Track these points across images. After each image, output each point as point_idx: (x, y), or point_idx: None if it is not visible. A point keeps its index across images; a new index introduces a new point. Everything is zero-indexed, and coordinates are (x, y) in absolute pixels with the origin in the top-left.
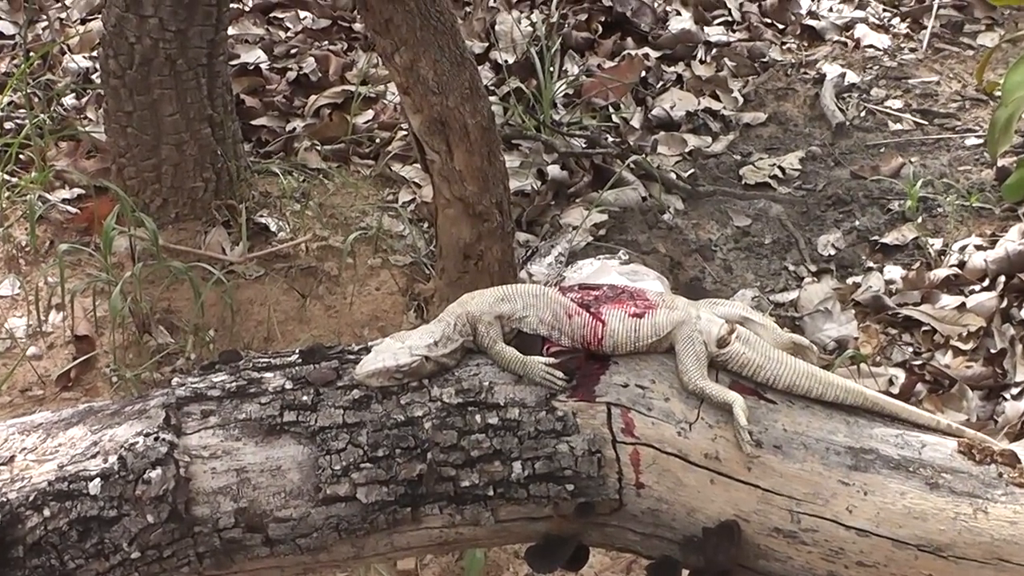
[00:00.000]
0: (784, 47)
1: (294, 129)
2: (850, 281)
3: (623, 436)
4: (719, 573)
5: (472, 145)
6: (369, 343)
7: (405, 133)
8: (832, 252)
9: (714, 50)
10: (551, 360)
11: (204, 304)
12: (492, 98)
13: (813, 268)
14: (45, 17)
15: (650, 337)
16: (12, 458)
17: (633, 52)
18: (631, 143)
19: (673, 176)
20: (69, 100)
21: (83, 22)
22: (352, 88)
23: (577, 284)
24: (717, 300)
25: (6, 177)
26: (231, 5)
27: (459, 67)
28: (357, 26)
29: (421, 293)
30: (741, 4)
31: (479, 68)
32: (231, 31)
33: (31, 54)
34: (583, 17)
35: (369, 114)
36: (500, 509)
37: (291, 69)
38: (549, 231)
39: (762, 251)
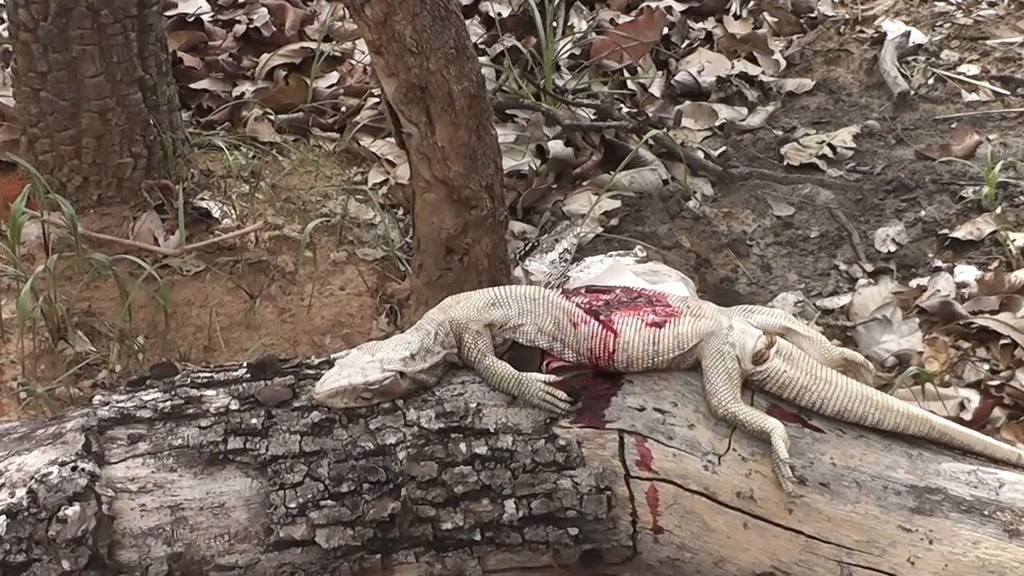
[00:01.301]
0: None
1: (242, 95)
2: (914, 284)
3: (638, 470)
4: None
5: (457, 116)
6: (332, 355)
7: (377, 101)
8: (892, 248)
9: (751, 2)
10: (551, 378)
11: (132, 305)
12: (482, 59)
13: (869, 268)
14: None
15: (672, 351)
16: None
17: (653, 4)
18: (650, 115)
19: (700, 155)
20: None
21: None
22: (312, 46)
23: (584, 286)
24: (753, 307)
25: None
26: None
27: (442, 22)
28: None
29: (395, 294)
30: None
31: (467, 23)
32: None
33: None
34: None
35: (333, 77)
36: (489, 557)
37: (239, 22)
38: (550, 221)
39: (807, 247)
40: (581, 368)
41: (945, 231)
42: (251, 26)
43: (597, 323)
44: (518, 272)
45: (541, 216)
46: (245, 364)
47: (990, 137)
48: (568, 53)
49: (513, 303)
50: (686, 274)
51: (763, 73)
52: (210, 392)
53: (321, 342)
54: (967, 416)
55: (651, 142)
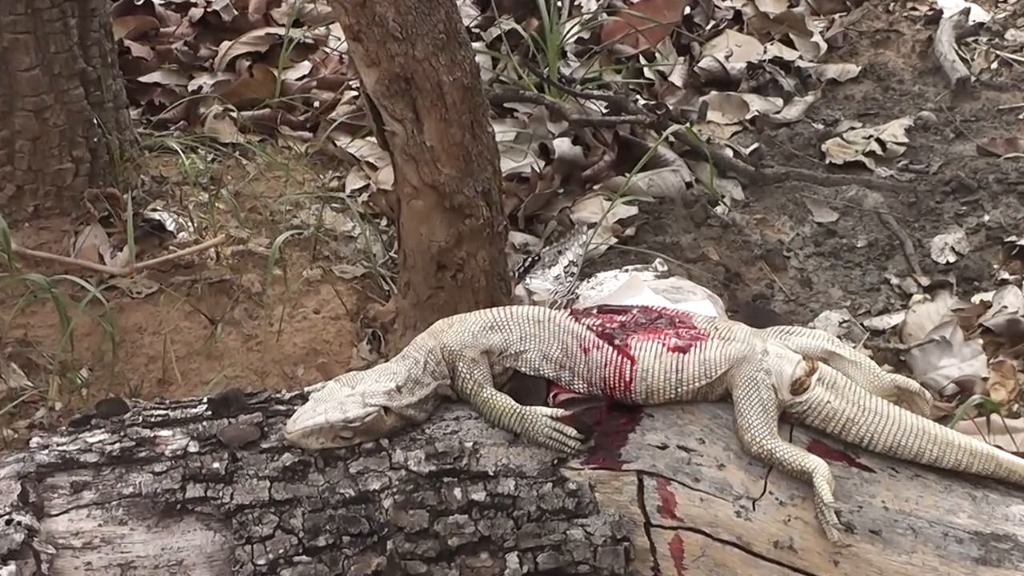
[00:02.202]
0: None
1: (199, 89)
2: (976, 299)
3: (660, 517)
4: None
5: (448, 111)
6: (306, 388)
7: (355, 94)
8: (951, 259)
9: None
10: (559, 412)
11: (74, 333)
12: (476, 45)
13: (925, 281)
14: None
15: (698, 379)
16: None
17: None
18: (670, 107)
19: (729, 153)
20: None
21: None
22: (280, 32)
23: (596, 306)
24: (791, 328)
25: None
26: None
27: (430, 3)
28: None
29: (378, 317)
30: None
31: (458, 3)
32: None
33: None
34: None
35: (304, 68)
36: None
37: (195, 5)
38: (556, 231)
39: (853, 258)
40: (593, 400)
41: (1012, 238)
42: (209, 9)
43: (611, 348)
44: (520, 290)
45: (546, 226)
46: (205, 399)
47: None
48: (575, 37)
49: (514, 326)
50: (714, 291)
51: (801, 58)
52: (165, 432)
53: (293, 373)
54: None
55: (672, 139)
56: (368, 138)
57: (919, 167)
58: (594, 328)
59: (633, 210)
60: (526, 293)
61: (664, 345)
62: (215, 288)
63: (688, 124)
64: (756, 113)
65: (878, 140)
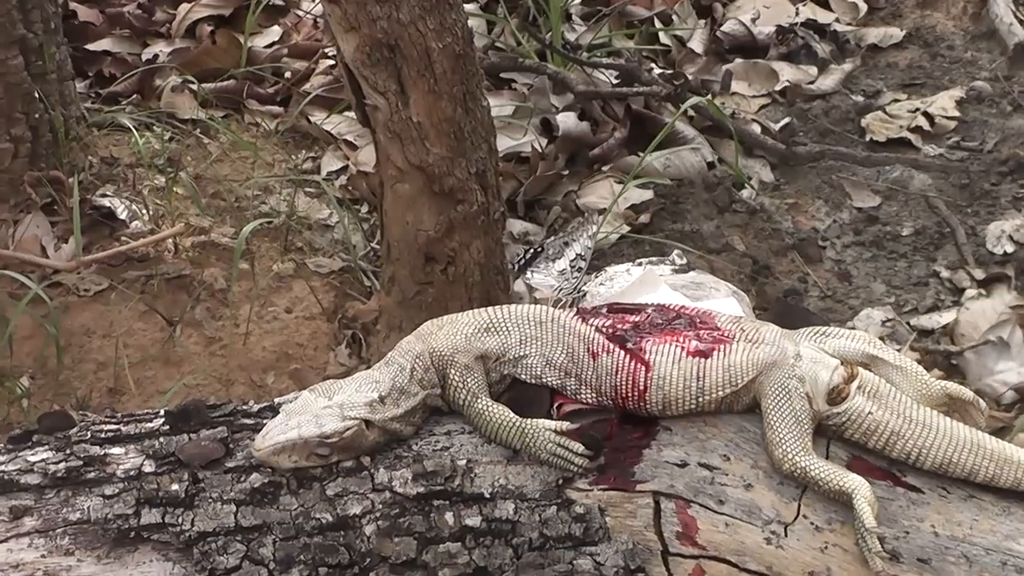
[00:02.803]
0: None
1: (155, 58)
2: None
3: (680, 545)
4: None
5: (438, 82)
6: (277, 399)
7: (332, 64)
8: (1009, 249)
9: None
10: (564, 425)
11: (13, 336)
12: (469, 7)
13: (979, 274)
14: None
15: (722, 388)
16: None
17: None
18: (689, 77)
19: (757, 129)
20: None
21: None
22: None
23: (606, 304)
24: (828, 328)
25: None
26: None
27: None
28: None
29: (358, 317)
30: None
31: None
32: None
33: None
34: None
35: (274, 33)
36: None
37: None
38: (560, 219)
39: (898, 247)
40: (603, 412)
41: None
42: None
43: (623, 353)
44: (519, 286)
45: (548, 212)
46: (162, 412)
47: None
48: None
49: (513, 328)
50: (739, 286)
51: (837, 21)
52: (117, 450)
53: (262, 381)
54: None
55: (691, 113)
56: (346, 113)
57: (972, 145)
58: (604, 330)
59: (648, 194)
60: (526, 289)
61: (683, 349)
62: (173, 284)
63: (710, 96)
64: (787, 84)
65: (925, 114)
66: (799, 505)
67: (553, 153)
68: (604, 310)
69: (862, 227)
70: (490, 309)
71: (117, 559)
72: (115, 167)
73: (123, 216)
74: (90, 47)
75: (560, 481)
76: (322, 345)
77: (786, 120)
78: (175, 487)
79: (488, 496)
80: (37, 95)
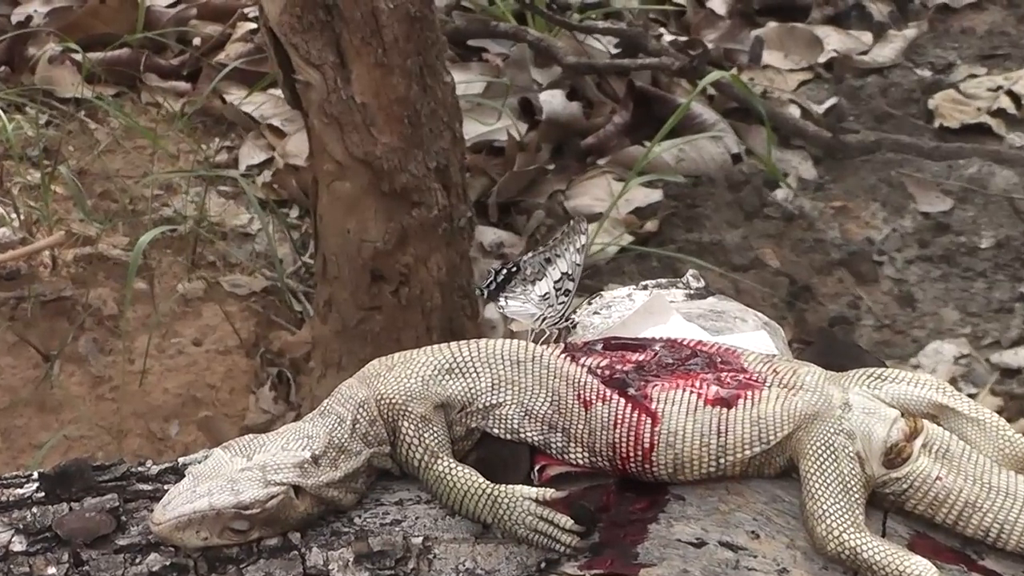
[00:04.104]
0: None
1: (27, 20)
2: None
3: None
4: None
5: (387, 52)
6: (182, 458)
7: (253, 28)
8: None
9: None
10: (548, 493)
11: None
12: None
13: None
14: None
15: (749, 446)
16: None
17: None
18: (709, 46)
19: (795, 112)
20: None
21: None
22: None
23: (602, 339)
24: (885, 370)
25: None
26: None
27: None
28: None
29: (285, 351)
30: None
31: None
32: None
33: None
34: None
35: None
36: None
37: None
38: (544, 226)
39: (975, 264)
40: (597, 477)
41: None
42: None
43: (624, 400)
44: (491, 314)
45: (529, 218)
46: (37, 474)
47: None
48: None
49: (483, 369)
50: (772, 315)
51: None
52: None
53: (163, 433)
54: None
55: (712, 92)
56: (271, 91)
57: None
58: (599, 371)
59: (656, 195)
60: (501, 319)
61: (700, 396)
62: (50, 309)
63: (735, 70)
64: (834, 54)
65: (1010, 93)
66: None
67: (535, 142)
68: (599, 346)
69: (929, 238)
70: (454, 345)
71: None
72: None
73: None
74: None
75: (543, 564)
76: (240, 387)
77: (832, 101)
78: (52, 571)
79: None
80: None
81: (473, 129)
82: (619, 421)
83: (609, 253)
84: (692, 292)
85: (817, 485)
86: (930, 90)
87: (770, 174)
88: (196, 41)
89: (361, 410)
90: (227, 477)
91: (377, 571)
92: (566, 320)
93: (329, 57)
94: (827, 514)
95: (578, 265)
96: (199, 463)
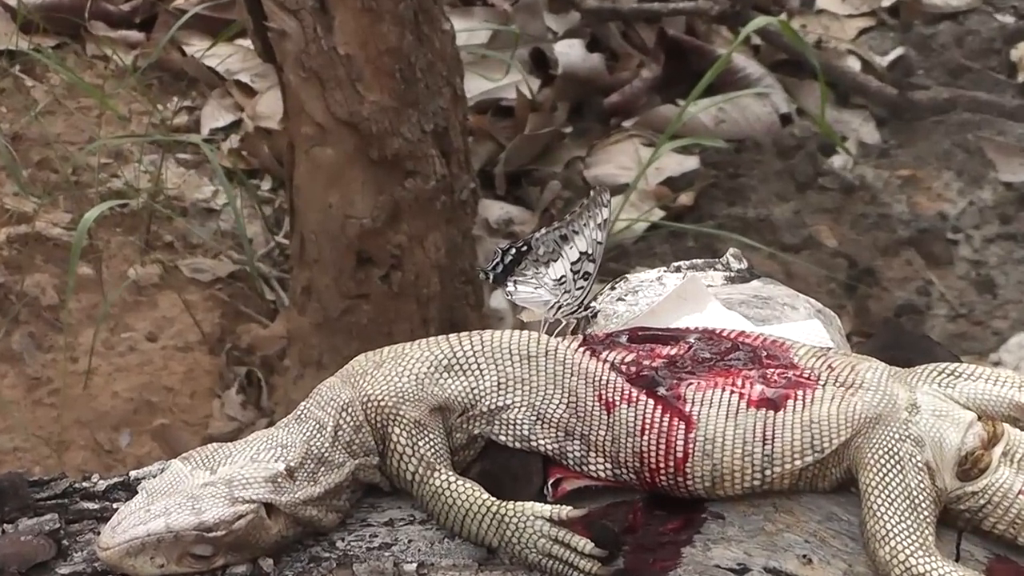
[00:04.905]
0: None
1: None
2: None
3: None
4: None
5: None
6: (134, 472)
7: None
8: None
9: None
10: (565, 511)
11: None
12: None
13: None
14: None
15: (800, 455)
16: None
17: None
18: None
19: (855, 66)
20: None
21: None
22: None
23: (627, 329)
24: (959, 366)
25: None
26: None
27: None
28: None
29: (256, 347)
30: None
31: None
32: None
33: None
34: None
35: None
36: None
37: None
38: (560, 200)
39: None
40: (622, 491)
41: None
42: None
43: (653, 402)
44: (498, 301)
45: (542, 190)
46: None
47: None
48: None
49: (488, 366)
50: (828, 302)
51: None
52: None
53: (112, 444)
54: None
55: (757, 41)
56: (239, 42)
57: None
58: (624, 368)
59: (692, 162)
60: (509, 308)
61: (742, 396)
62: None
63: (784, 16)
64: None
65: None
66: None
67: (550, 101)
68: (624, 338)
69: (1012, 212)
70: (453, 337)
71: None
72: None
73: None
74: None
75: None
76: (202, 390)
77: (898, 52)
78: None
79: None
80: None
81: (477, 86)
82: (647, 426)
83: (636, 230)
84: (733, 275)
85: (880, 501)
86: (1013, 39)
87: (826, 138)
88: None
89: (344, 414)
90: (187, 494)
91: None
92: (585, 308)
93: (307, 1)
94: (891, 534)
95: (599, 243)
96: (154, 477)
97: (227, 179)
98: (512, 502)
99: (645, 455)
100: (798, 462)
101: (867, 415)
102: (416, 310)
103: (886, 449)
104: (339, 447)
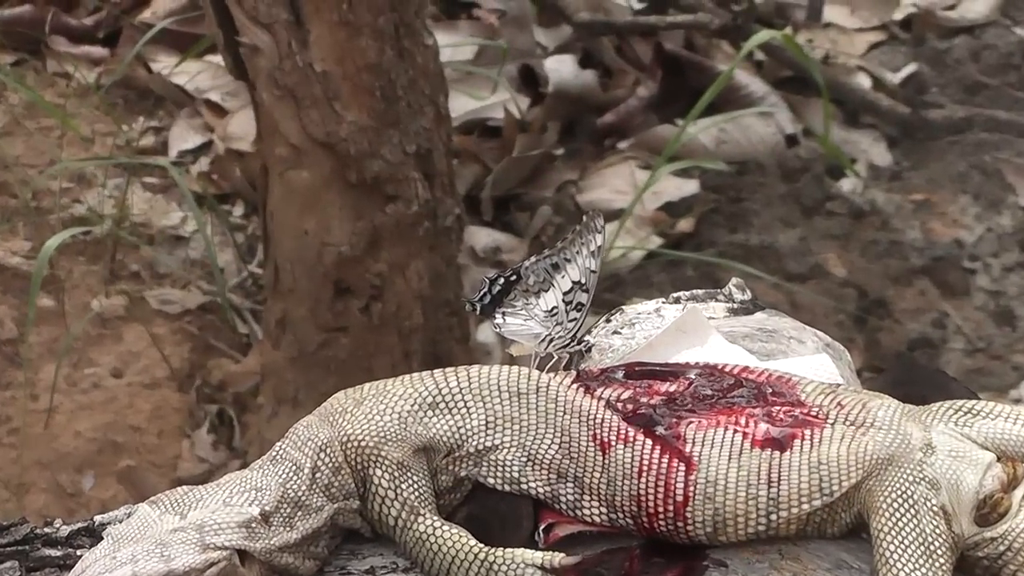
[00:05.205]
0: None
1: None
2: None
3: None
4: None
5: (354, 8)
6: (98, 517)
7: None
8: None
9: None
10: (558, 558)
11: None
12: None
13: None
14: None
15: (807, 498)
16: None
17: None
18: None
19: (865, 83)
20: None
21: None
22: None
23: (623, 364)
24: (977, 403)
25: None
26: None
27: None
28: None
29: (228, 384)
30: None
31: None
32: None
33: None
34: None
35: None
36: None
37: None
38: (551, 225)
39: None
40: (618, 538)
41: None
42: None
43: (651, 442)
44: (485, 336)
45: (532, 215)
46: None
47: None
48: None
49: (475, 403)
50: (837, 335)
51: None
52: None
53: (75, 486)
54: None
55: (760, 56)
56: (210, 57)
57: None
58: (620, 406)
59: (692, 186)
60: (497, 341)
61: (746, 436)
62: None
63: (789, 30)
64: (913, 9)
65: None
66: None
67: (540, 121)
68: (620, 374)
69: None
70: (438, 373)
71: None
72: None
73: None
74: None
75: None
76: (170, 429)
77: (912, 68)
78: None
79: None
80: None
81: (462, 104)
82: (645, 468)
83: (633, 259)
84: (736, 306)
85: (892, 547)
86: None
87: (833, 160)
88: None
89: (323, 455)
90: (155, 540)
91: None
92: (579, 342)
93: (281, 14)
94: None
95: (594, 272)
96: (120, 523)
97: (197, 204)
98: (501, 549)
99: (643, 498)
100: (806, 506)
101: (879, 456)
102: (398, 343)
103: (899, 492)
104: (317, 490)
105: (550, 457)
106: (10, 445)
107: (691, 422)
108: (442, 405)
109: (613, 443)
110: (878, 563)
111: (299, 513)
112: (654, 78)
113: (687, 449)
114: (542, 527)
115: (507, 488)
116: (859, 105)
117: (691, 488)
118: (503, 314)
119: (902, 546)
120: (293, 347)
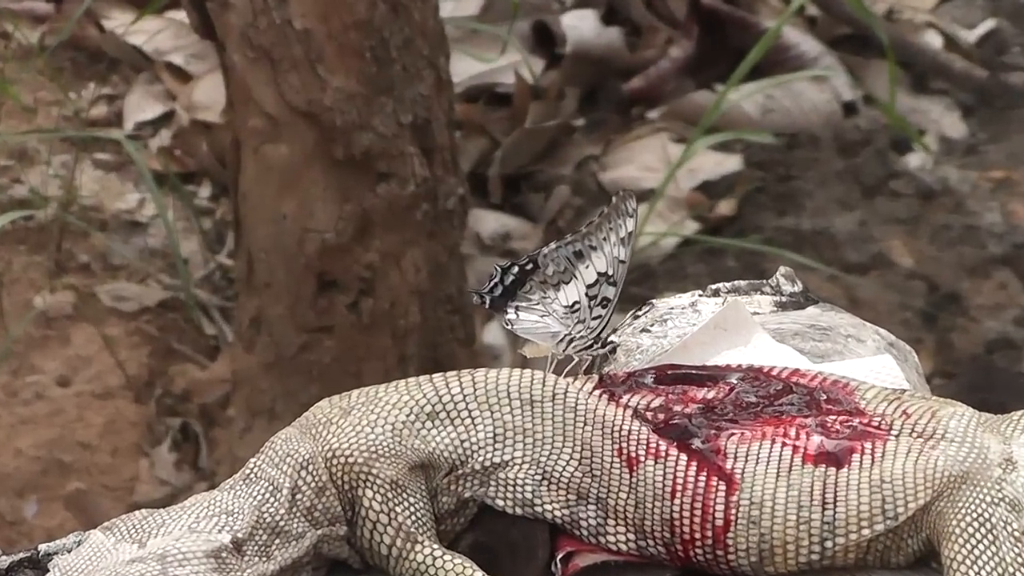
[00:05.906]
0: None
1: None
2: None
3: None
4: None
5: None
6: (43, 545)
7: None
8: None
9: None
10: None
11: None
12: None
13: None
14: None
15: (868, 522)
16: None
17: None
18: None
19: (936, 43)
20: None
21: None
22: None
23: (654, 367)
24: None
25: None
26: None
27: None
28: None
29: (193, 393)
30: None
31: None
32: None
33: None
34: None
35: None
36: None
37: None
38: (570, 208)
39: None
40: (648, 567)
41: None
42: None
43: (686, 457)
44: (492, 336)
45: (547, 196)
46: None
47: None
48: None
49: (481, 413)
50: (903, 334)
51: None
52: None
53: (15, 512)
54: None
55: (812, 11)
56: (171, 13)
57: None
58: (650, 415)
59: (733, 162)
60: (508, 341)
61: (796, 450)
62: None
63: None
64: None
65: None
66: None
67: (556, 86)
68: (650, 379)
69: None
70: (438, 378)
71: None
72: None
73: None
74: None
75: None
76: (126, 446)
77: (989, 25)
78: None
79: None
80: None
81: (466, 68)
82: (679, 487)
83: (665, 246)
84: (785, 299)
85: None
86: None
87: (899, 132)
88: None
89: (304, 473)
90: (110, 572)
91: None
92: (603, 343)
93: None
94: None
95: (623, 263)
96: (68, 552)
97: (156, 185)
98: None
99: (676, 523)
100: (866, 531)
101: (951, 472)
102: (391, 346)
103: (975, 515)
104: (297, 514)
105: (568, 475)
106: None
107: (732, 434)
108: (443, 415)
109: (642, 459)
110: None
111: (277, 541)
112: (689, 36)
113: (728, 465)
114: (559, 556)
115: (519, 511)
116: (928, 68)
117: (733, 511)
118: (516, 308)
119: (982, 569)
120: (269, 351)
